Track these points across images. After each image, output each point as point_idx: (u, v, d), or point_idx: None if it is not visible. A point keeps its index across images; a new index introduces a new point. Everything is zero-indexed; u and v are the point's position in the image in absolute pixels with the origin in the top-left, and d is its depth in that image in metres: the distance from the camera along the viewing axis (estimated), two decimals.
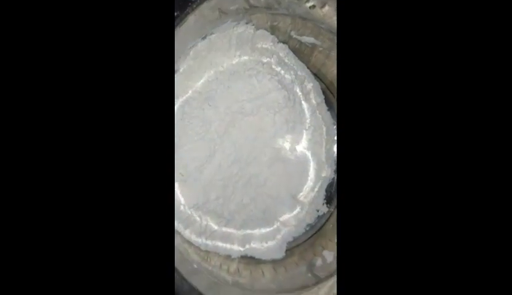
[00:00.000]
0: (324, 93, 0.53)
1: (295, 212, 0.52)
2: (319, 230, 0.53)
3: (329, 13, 0.43)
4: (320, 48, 0.49)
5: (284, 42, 0.50)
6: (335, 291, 0.42)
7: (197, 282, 0.36)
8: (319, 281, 0.44)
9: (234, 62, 0.48)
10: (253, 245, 0.50)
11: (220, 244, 0.49)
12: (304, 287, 0.44)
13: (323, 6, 0.43)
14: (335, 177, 0.53)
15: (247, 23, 0.47)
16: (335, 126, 0.52)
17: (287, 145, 0.51)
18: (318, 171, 0.53)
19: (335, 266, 0.45)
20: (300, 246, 0.52)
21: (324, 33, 0.47)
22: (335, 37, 0.44)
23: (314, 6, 0.43)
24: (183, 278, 0.35)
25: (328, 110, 0.53)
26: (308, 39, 0.49)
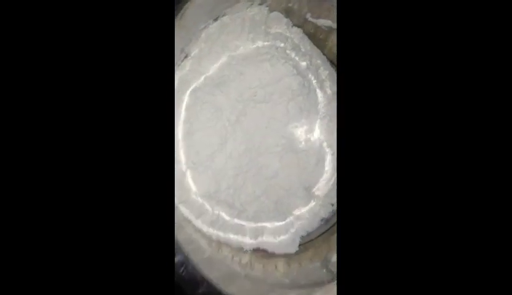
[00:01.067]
0: None
1: (308, 205, 0.50)
2: (334, 225, 0.51)
3: None
4: None
5: (298, 26, 0.49)
6: None
7: (208, 272, 0.35)
8: (334, 277, 0.43)
9: (247, 46, 0.47)
10: (265, 238, 0.49)
11: (231, 235, 0.47)
12: (319, 283, 0.43)
13: None
14: None
15: (260, 4, 0.45)
16: None
17: (300, 135, 0.50)
18: (333, 163, 0.51)
19: None
20: (314, 240, 0.50)
21: None
22: None
23: None
24: (194, 268, 0.34)
25: None
26: (324, 22, 0.48)
